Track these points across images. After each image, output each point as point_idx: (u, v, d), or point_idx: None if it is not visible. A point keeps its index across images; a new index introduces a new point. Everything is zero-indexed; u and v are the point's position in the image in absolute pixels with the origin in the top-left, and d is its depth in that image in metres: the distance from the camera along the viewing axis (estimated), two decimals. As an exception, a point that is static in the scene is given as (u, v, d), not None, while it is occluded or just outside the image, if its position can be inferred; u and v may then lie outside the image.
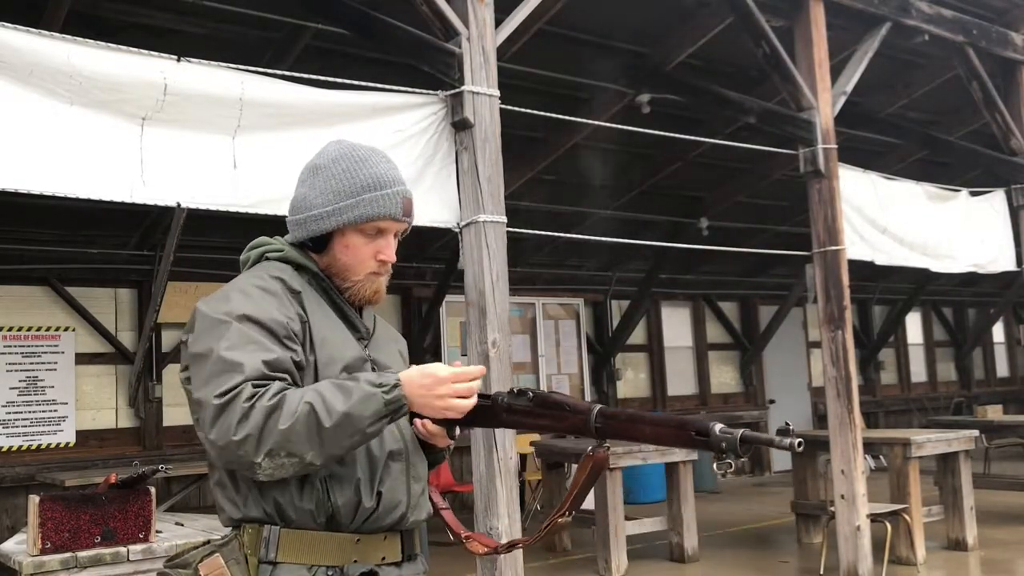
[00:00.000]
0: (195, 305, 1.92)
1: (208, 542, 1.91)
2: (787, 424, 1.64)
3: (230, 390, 1.74)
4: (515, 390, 1.89)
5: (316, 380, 1.89)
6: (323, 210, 1.97)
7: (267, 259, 2.03)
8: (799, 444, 1.59)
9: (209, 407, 1.75)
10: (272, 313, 1.86)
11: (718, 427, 1.64)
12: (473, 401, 1.86)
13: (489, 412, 1.91)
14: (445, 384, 1.83)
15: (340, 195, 1.96)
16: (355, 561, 1.88)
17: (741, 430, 1.62)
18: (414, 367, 1.89)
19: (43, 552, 3.88)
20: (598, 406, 1.80)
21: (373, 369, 2.00)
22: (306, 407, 1.73)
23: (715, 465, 1.65)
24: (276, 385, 1.77)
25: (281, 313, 1.88)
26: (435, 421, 1.92)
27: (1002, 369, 17.99)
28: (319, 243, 2.01)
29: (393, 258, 2.03)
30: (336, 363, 1.92)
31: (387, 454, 1.94)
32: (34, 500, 3.94)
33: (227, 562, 1.84)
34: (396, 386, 1.79)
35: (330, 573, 1.85)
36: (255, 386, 1.75)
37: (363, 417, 1.75)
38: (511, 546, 2.04)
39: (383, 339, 2.13)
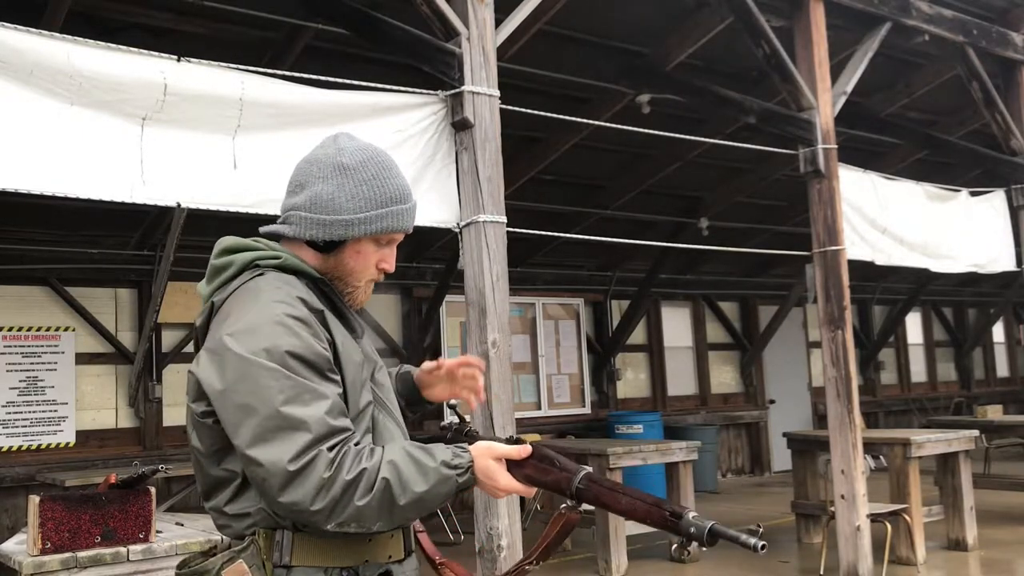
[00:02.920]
0: (222, 341, 1.79)
1: (214, 546, 1.90)
2: (758, 526, 1.71)
3: (302, 453, 1.71)
4: (515, 437, 1.92)
5: (343, 399, 1.86)
6: (354, 216, 1.92)
7: (256, 266, 1.93)
8: (763, 548, 1.67)
9: (280, 473, 1.70)
10: (313, 346, 1.80)
11: (691, 514, 1.70)
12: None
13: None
14: (510, 492, 1.89)
15: (371, 203, 1.93)
16: (367, 561, 1.88)
17: (711, 523, 1.69)
18: (488, 450, 1.86)
19: (43, 552, 3.89)
20: (586, 469, 1.82)
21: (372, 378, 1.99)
22: (383, 483, 1.74)
23: (672, 549, 1.72)
24: (351, 453, 1.75)
25: (319, 344, 1.82)
26: None
27: (1002, 369, 17.99)
28: (330, 244, 1.96)
29: (393, 268, 2.04)
30: (355, 385, 1.91)
31: None
32: (34, 500, 3.94)
33: (250, 567, 1.81)
34: (469, 469, 1.82)
35: (344, 574, 1.85)
36: (331, 449, 1.73)
37: (436, 498, 1.79)
38: None
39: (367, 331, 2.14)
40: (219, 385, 1.77)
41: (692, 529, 1.68)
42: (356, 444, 1.79)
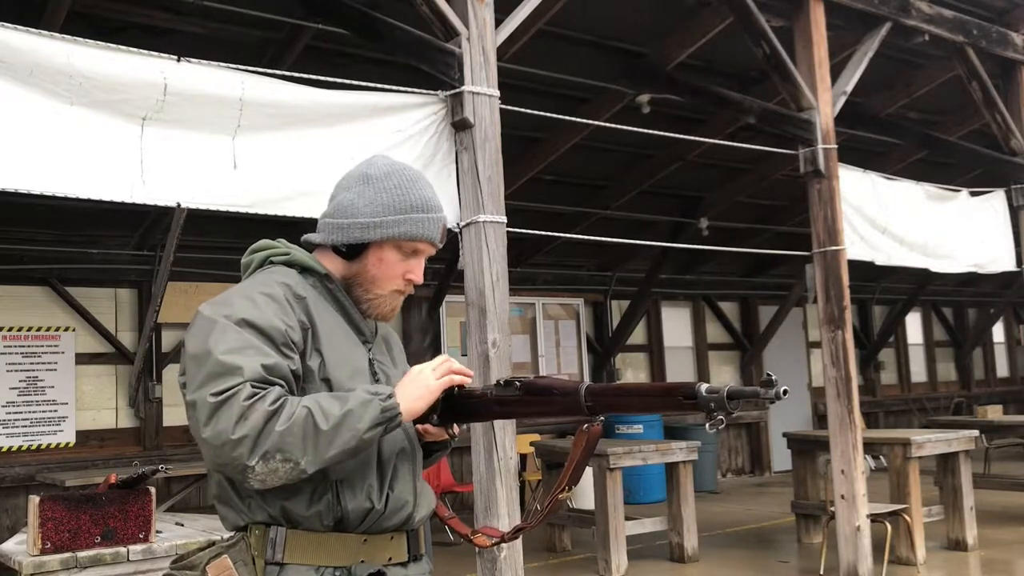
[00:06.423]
0: (198, 309, 1.90)
1: (213, 543, 1.91)
2: (769, 375, 1.67)
3: (227, 389, 1.73)
4: (502, 381, 1.92)
5: (326, 382, 1.89)
6: (370, 220, 1.96)
7: (271, 263, 2.01)
8: (784, 392, 1.64)
9: (204, 405, 1.73)
10: (272, 320, 1.84)
11: (704, 387, 1.70)
12: (465, 375, 1.95)
13: (481, 406, 1.95)
14: (438, 367, 1.92)
15: (389, 209, 1.96)
16: (362, 561, 1.88)
17: (727, 386, 1.67)
18: (408, 374, 1.95)
19: (43, 552, 3.88)
20: (585, 384, 1.83)
21: (374, 374, 2.01)
22: (304, 410, 1.74)
23: (707, 425, 1.70)
24: (276, 390, 1.76)
25: (281, 320, 1.86)
26: (434, 421, 1.96)
27: (1002, 369, 17.99)
28: (353, 250, 1.99)
29: (421, 280, 2.05)
30: (345, 365, 1.93)
31: (395, 455, 1.96)
32: (34, 500, 3.94)
33: (235, 563, 1.83)
34: (391, 396, 1.83)
35: (337, 574, 1.85)
36: (254, 387, 1.74)
37: (361, 420, 1.77)
38: (517, 531, 2.07)
39: (386, 340, 2.14)
40: (185, 342, 1.89)
41: (712, 403, 1.68)
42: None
